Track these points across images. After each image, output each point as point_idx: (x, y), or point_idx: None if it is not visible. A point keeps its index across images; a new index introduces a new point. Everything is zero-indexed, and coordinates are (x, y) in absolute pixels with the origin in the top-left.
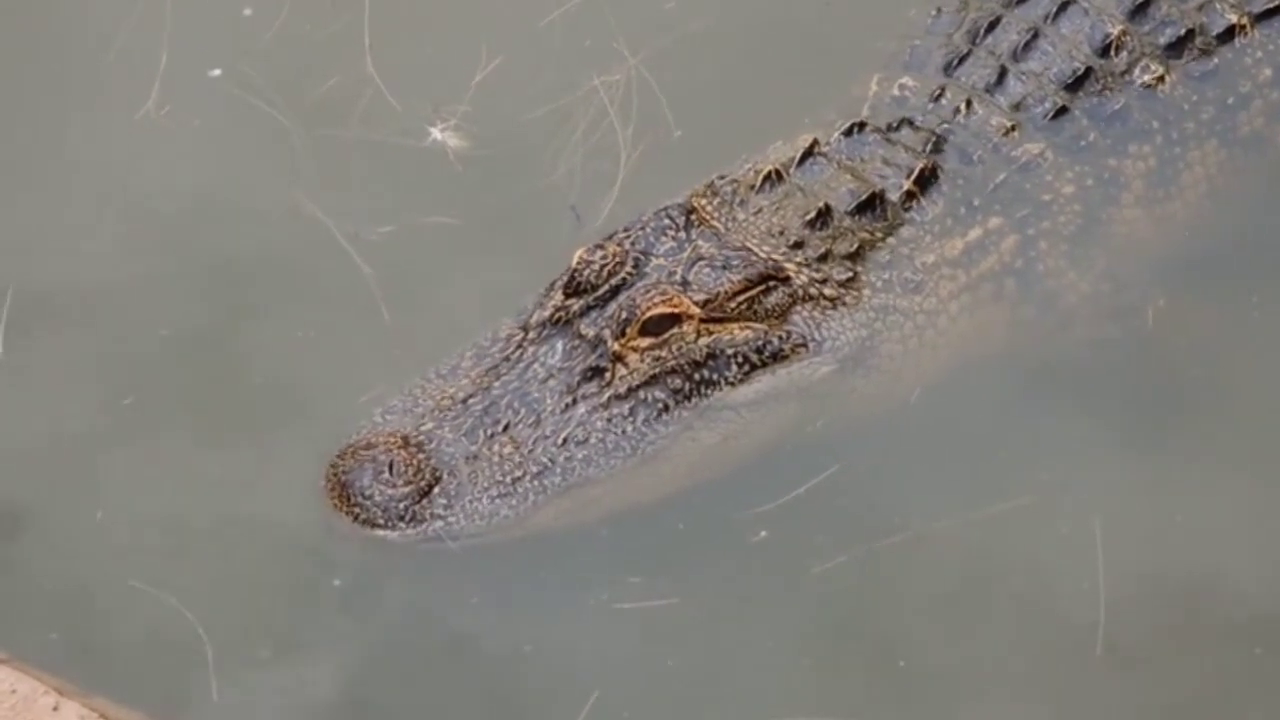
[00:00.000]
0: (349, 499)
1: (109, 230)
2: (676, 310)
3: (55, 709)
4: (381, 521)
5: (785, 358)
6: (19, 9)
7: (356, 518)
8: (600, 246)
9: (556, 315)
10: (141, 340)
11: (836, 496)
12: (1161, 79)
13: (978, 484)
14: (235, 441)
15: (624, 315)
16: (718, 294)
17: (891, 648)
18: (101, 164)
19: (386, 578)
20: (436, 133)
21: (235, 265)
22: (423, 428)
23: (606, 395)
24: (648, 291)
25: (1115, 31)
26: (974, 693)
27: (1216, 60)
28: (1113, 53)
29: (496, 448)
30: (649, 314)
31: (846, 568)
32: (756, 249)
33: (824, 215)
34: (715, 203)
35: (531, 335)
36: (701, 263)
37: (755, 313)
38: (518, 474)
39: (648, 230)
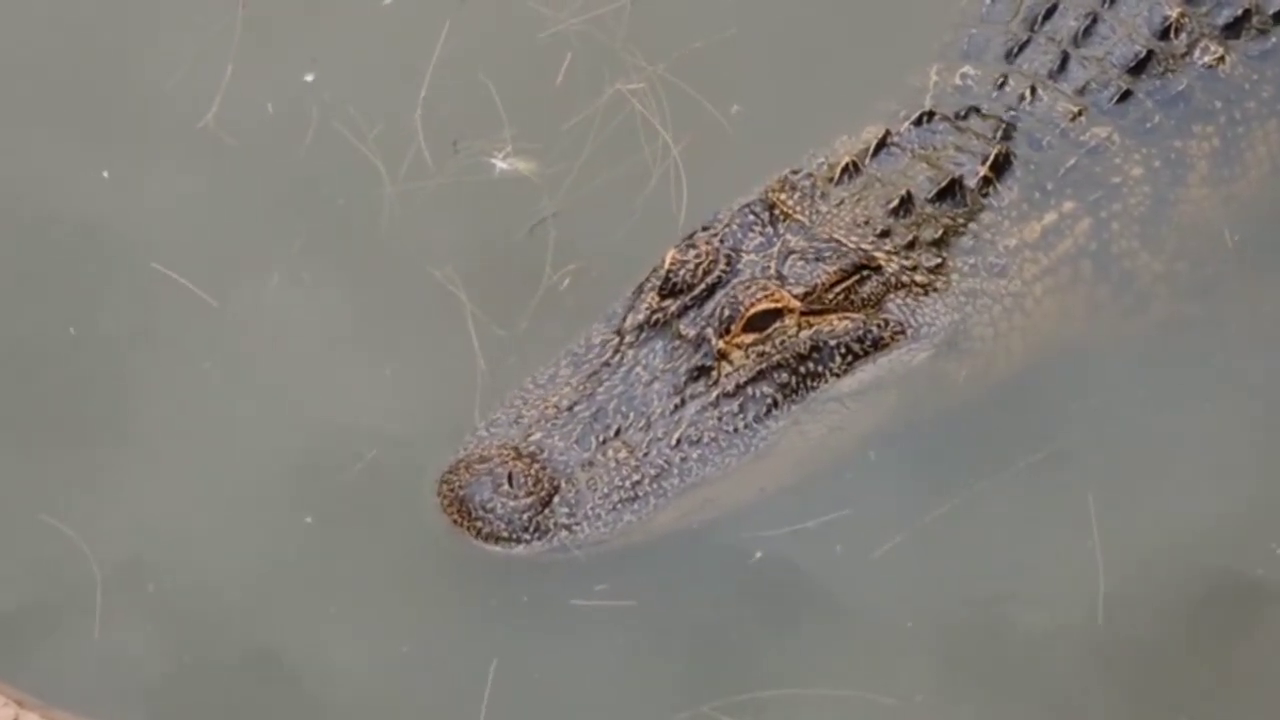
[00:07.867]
0: (469, 514)
1: None
2: (778, 305)
3: None
4: (506, 534)
5: (885, 345)
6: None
7: (479, 532)
8: (692, 245)
9: (654, 317)
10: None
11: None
12: (1221, 59)
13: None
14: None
15: (727, 313)
16: (815, 286)
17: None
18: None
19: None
20: (500, 162)
21: None
22: (532, 438)
23: (715, 394)
24: (749, 287)
25: (1174, 14)
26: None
27: (1274, 39)
28: (1172, 35)
29: (611, 453)
30: (753, 310)
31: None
32: (845, 239)
33: (906, 203)
34: (795, 197)
35: (629, 339)
36: (794, 256)
37: (852, 303)
38: (636, 478)
39: (734, 227)
